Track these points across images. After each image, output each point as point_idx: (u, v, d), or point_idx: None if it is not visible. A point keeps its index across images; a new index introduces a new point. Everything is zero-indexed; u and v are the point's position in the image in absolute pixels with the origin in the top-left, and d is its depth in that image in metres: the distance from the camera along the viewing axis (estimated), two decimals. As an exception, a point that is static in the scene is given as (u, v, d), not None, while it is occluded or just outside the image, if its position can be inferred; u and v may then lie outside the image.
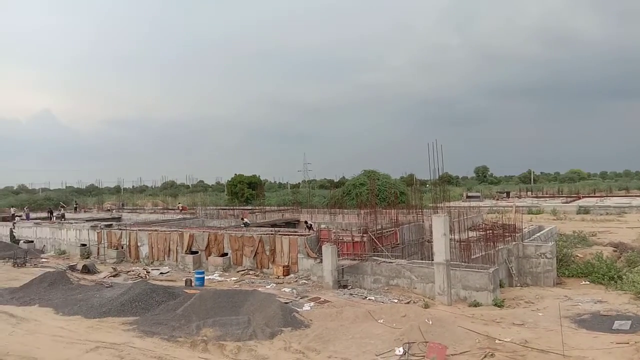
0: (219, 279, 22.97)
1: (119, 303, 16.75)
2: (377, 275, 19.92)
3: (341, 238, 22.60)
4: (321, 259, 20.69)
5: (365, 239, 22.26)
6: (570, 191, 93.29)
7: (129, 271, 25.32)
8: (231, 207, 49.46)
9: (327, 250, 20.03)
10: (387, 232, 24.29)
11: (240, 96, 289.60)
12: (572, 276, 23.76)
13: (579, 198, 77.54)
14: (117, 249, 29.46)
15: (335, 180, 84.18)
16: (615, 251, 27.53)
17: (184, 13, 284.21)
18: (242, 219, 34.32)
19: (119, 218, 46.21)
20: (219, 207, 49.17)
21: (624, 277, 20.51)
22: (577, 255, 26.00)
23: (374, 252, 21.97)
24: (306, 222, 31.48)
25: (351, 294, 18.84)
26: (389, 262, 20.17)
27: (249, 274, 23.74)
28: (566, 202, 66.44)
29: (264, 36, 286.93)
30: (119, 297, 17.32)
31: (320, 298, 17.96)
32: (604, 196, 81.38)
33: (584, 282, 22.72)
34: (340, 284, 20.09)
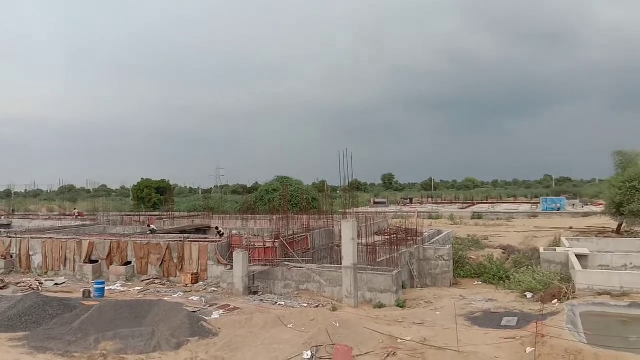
0: (122, 289, 21.78)
1: (6, 318, 15.29)
2: (288, 280, 20.13)
3: (253, 244, 22.52)
4: (232, 266, 20.46)
5: (276, 244, 22.38)
6: (466, 198, 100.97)
7: (18, 283, 23.12)
8: (137, 213, 47.17)
9: (238, 256, 19.86)
10: (298, 237, 24.61)
11: (148, 97, 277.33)
12: (467, 277, 25.66)
13: (474, 204, 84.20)
14: (5, 258, 26.75)
15: (248, 186, 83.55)
16: (504, 253, 30.16)
17: (87, 9, 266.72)
18: (149, 225, 32.83)
19: (9, 225, 42.10)
20: (123, 213, 46.67)
21: (511, 277, 22.54)
22: (471, 258, 28.15)
23: (286, 257, 22.16)
24: (217, 228, 30.90)
25: (262, 300, 18.85)
26: (300, 267, 20.46)
27: (155, 283, 22.77)
28: (462, 208, 71.79)
29: (171, 36, 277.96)
30: (6, 311, 15.80)
31: (230, 305, 17.76)
32: (495, 203, 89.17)
33: (477, 282, 24.62)
34: (251, 290, 20.00)
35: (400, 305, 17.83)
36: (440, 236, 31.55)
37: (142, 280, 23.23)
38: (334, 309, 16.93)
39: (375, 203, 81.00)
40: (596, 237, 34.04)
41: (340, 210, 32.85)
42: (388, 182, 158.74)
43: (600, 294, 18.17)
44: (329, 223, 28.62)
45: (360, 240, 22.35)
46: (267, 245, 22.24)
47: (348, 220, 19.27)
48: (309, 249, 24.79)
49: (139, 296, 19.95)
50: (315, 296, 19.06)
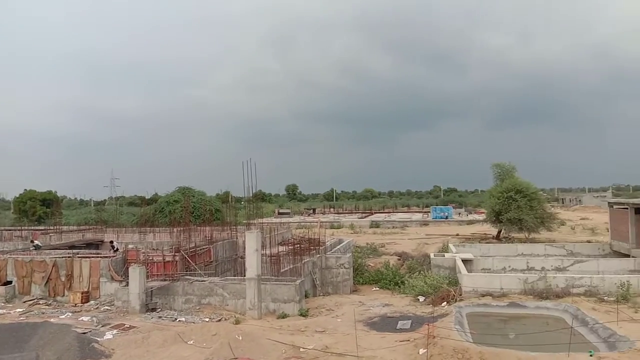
0: (0, 311, 19.61)
1: None
2: (189, 295, 19.51)
3: (151, 258, 21.52)
4: (127, 282, 19.36)
5: (177, 258, 21.61)
6: (365, 208, 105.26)
7: None
8: (18, 228, 42.76)
9: (135, 272, 18.86)
10: (200, 250, 23.97)
11: (35, 100, 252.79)
12: (366, 283, 26.68)
13: (372, 214, 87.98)
14: None
15: (146, 197, 79.33)
16: (399, 260, 31.75)
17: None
18: (32, 241, 29.90)
19: None
20: (2, 228, 42.13)
21: (405, 282, 23.90)
22: (370, 265, 29.35)
23: (187, 271, 21.47)
24: (112, 243, 28.99)
25: (160, 317, 18.04)
26: (202, 281, 19.95)
27: (39, 303, 20.84)
28: (361, 218, 74.61)
29: (72, 37, 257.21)
30: None
31: (125, 324, 16.76)
32: (391, 212, 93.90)
33: (375, 288, 25.69)
34: (149, 308, 19.07)
35: (303, 314, 18.12)
36: (341, 245, 32.53)
37: (25, 302, 21.16)
38: (237, 322, 16.74)
39: (279, 213, 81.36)
40: (479, 243, 37.29)
41: (245, 221, 32.57)
42: (292, 193, 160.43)
43: (483, 296, 19.93)
44: (232, 234, 28.24)
45: (264, 251, 22.35)
46: (167, 259, 21.40)
47: (252, 231, 19.22)
48: (211, 261, 24.25)
49: (21, 318, 18.11)
50: (218, 310, 18.69)
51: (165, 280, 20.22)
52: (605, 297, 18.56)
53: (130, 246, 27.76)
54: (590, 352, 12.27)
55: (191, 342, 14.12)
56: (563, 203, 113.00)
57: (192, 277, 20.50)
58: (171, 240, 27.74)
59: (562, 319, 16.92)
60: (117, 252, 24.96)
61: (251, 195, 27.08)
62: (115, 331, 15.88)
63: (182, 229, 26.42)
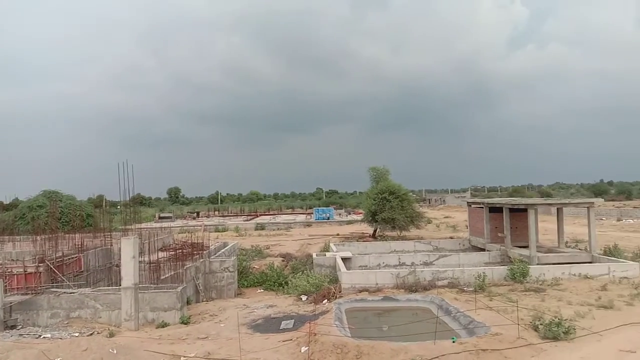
0: None
1: None
2: (56, 308, 17.86)
3: (10, 270, 19.26)
4: (-21, 299, 17.14)
5: (41, 268, 19.61)
6: (250, 210, 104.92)
7: None
8: None
9: (-12, 286, 16.78)
10: (69, 259, 22.02)
11: None
12: (250, 286, 26.72)
13: (257, 216, 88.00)
14: None
15: (5, 202, 70.19)
16: (283, 261, 32.31)
17: None
18: None
19: None
20: None
21: (289, 282, 24.42)
22: (254, 267, 29.44)
23: (54, 283, 19.61)
24: (-44, 254, 25.39)
25: (21, 335, 16.25)
26: (71, 293, 18.36)
27: None
28: (247, 220, 74.28)
29: None
30: None
31: (-24, 346, 14.82)
32: (276, 214, 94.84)
33: (259, 290, 25.86)
34: (8, 325, 17.09)
35: (185, 321, 17.61)
36: (226, 248, 32.15)
37: None
38: (112, 334, 15.75)
39: (160, 218, 77.53)
40: (357, 241, 39.41)
41: (121, 227, 30.60)
42: (174, 196, 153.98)
43: (361, 291, 21.14)
44: (107, 241, 26.38)
45: (142, 258, 21.29)
46: (29, 270, 19.34)
47: (128, 238, 18.19)
48: (82, 271, 22.41)
49: None
50: (90, 323, 17.37)
51: (27, 294, 18.25)
52: (465, 288, 20.81)
53: (-18, 258, 24.48)
54: (453, 338, 13.73)
55: (58, 359, 12.97)
56: (429, 203, 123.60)
57: (59, 290, 18.77)
58: (34, 249, 25.03)
59: (429, 309, 18.63)
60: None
61: (128, 199, 25.60)
62: (-37, 355, 13.97)
63: (47, 236, 24.02)
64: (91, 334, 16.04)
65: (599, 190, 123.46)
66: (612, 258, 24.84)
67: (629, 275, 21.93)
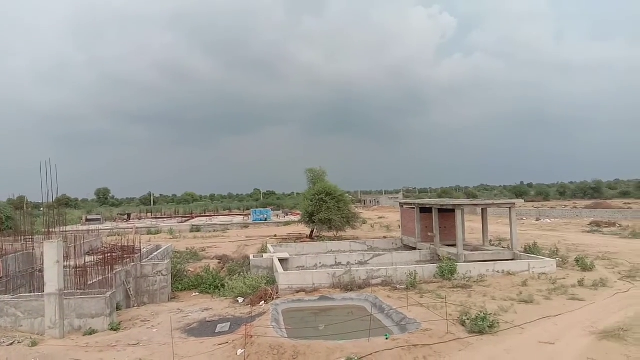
0: None
1: None
2: (-32, 319, 16.49)
3: None
4: None
5: (-50, 276, 18.04)
6: (185, 212, 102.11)
7: None
8: None
9: None
10: (-17, 265, 20.43)
11: None
12: (185, 289, 26.01)
13: (192, 218, 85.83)
14: None
15: None
16: (219, 263, 31.77)
17: None
18: None
19: None
20: None
21: (226, 285, 24.05)
22: (189, 270, 28.70)
23: (-36, 291, 18.10)
24: None
25: None
26: (-14, 301, 17.04)
27: None
28: (182, 222, 72.26)
29: None
30: None
31: None
32: (213, 215, 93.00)
33: (195, 294, 25.24)
34: None
35: (115, 328, 16.89)
36: (159, 251, 31.14)
37: None
38: (34, 343, 14.79)
39: (87, 220, 73.49)
40: (295, 242, 39.57)
41: (44, 230, 28.77)
42: (103, 197, 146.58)
43: (298, 292, 21.29)
44: (28, 245, 24.72)
45: (68, 263, 20.16)
46: (-63, 278, 17.73)
47: (52, 241, 17.14)
48: (1, 277, 20.85)
49: None
50: (10, 332, 16.20)
51: None
52: (398, 286, 21.55)
53: None
54: (386, 335, 14.20)
55: (-28, 374, 12.05)
56: (364, 204, 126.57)
57: (-28, 298, 17.36)
58: (-58, 255, 23.00)
59: (364, 307, 19.11)
60: None
61: (52, 200, 24.12)
62: None
63: (-42, 241, 22.17)
64: (11, 344, 14.99)
65: (519, 191, 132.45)
66: (532, 255, 26.70)
67: (547, 271, 23.67)
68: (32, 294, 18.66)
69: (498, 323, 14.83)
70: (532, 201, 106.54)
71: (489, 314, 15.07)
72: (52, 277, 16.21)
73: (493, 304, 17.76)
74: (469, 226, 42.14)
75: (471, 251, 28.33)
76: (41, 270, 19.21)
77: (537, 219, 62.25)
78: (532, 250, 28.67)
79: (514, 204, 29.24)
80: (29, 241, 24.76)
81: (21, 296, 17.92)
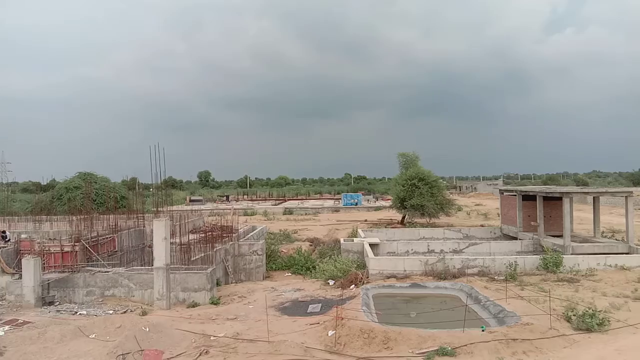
0: None
1: None
2: (91, 287, 18.48)
3: (48, 249, 20.00)
4: (20, 275, 17.88)
5: (77, 248, 20.28)
6: (279, 195, 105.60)
7: None
8: None
9: (29, 263, 17.47)
10: (103, 239, 22.69)
11: None
12: (278, 269, 26.98)
13: (285, 201, 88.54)
14: None
15: (42, 183, 72.75)
16: (311, 245, 32.47)
17: None
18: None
19: None
20: None
21: (317, 267, 24.50)
22: (282, 251, 29.67)
23: (89, 262, 20.27)
24: (3, 233, 26.44)
25: (59, 311, 16.93)
26: (105, 272, 18.96)
27: None
28: (275, 205, 74.84)
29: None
30: None
31: (18, 320, 15.52)
32: (304, 199, 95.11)
33: (287, 274, 26.08)
34: (46, 301, 17.80)
35: (215, 302, 17.95)
36: (254, 232, 32.50)
37: None
38: (144, 313, 16.19)
39: (191, 201, 79.01)
40: (385, 228, 39.15)
41: (153, 209, 31.30)
42: (205, 180, 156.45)
43: (388, 277, 21.07)
44: (139, 223, 27.03)
45: (173, 240, 21.72)
46: (66, 249, 20.02)
47: (160, 219, 18.57)
48: (116, 251, 23.07)
49: None
50: (123, 301, 17.93)
51: (63, 272, 18.94)
52: (495, 277, 20.45)
53: (23, 236, 25.54)
54: (482, 327, 13.53)
55: (93, 335, 13.45)
56: (460, 190, 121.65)
57: (94, 268, 19.41)
58: (70, 229, 25.89)
59: (458, 297, 18.40)
60: (8, 243, 22.88)
61: (160, 181, 26.11)
62: (7, 327, 14.65)
63: (82, 217, 24.81)
64: (125, 312, 16.55)
65: (638, 179, 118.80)
66: (651, 250, 23.92)
67: (668, 268, 21.09)
68: (142, 267, 20.42)
69: (609, 321, 13.46)
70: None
71: (599, 311, 13.74)
72: (160, 252, 17.56)
73: (603, 300, 16.16)
74: (578, 216, 38.79)
75: (580, 243, 26.04)
76: (150, 246, 20.92)
77: (659, 210, 55.70)
78: (652, 244, 25.67)
79: (631, 192, 26.32)
80: (140, 219, 27.04)
81: (133, 269, 19.68)
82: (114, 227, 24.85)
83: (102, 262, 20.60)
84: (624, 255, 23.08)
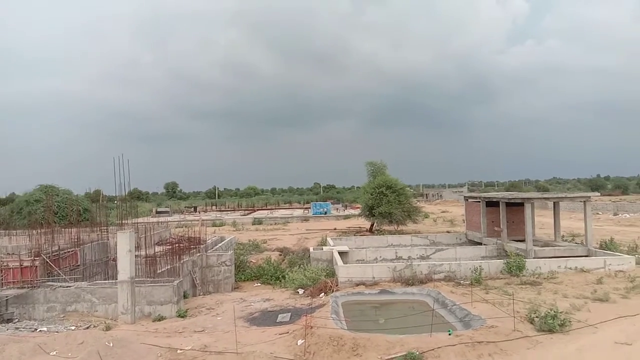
0: None
1: None
2: (52, 302, 17.85)
3: (6, 264, 19.20)
4: (-25, 292, 17.12)
5: (37, 262, 19.55)
6: (248, 205, 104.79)
7: None
8: None
9: (-16, 280, 16.74)
10: (65, 253, 21.96)
11: None
12: (247, 280, 26.73)
13: (254, 211, 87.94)
14: None
15: (1, 197, 69.82)
16: (280, 255, 32.25)
17: None
18: None
19: None
20: None
21: (286, 276, 24.42)
22: (252, 261, 29.40)
23: (50, 277, 19.57)
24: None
25: (17, 328, 16.26)
26: (67, 287, 18.34)
27: None
28: (244, 215, 74.22)
29: None
30: None
31: (-28, 340, 14.80)
32: (273, 209, 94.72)
33: (256, 284, 25.88)
34: (4, 318, 17.10)
35: (182, 315, 17.62)
36: (223, 242, 32.13)
37: None
38: (108, 328, 15.74)
39: (157, 212, 77.36)
40: (354, 235, 39.41)
41: (117, 222, 30.55)
42: (172, 191, 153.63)
43: (357, 285, 21.19)
44: (103, 235, 26.33)
45: (139, 252, 21.26)
46: (25, 264, 19.26)
47: (124, 231, 18.14)
48: (78, 265, 22.37)
49: None
50: (86, 317, 17.38)
51: (23, 287, 18.23)
52: (461, 281, 20.87)
53: (-22, 252, 24.43)
54: (449, 331, 13.78)
55: (54, 353, 12.97)
56: (427, 198, 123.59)
57: (55, 283, 18.74)
58: (31, 243, 24.97)
59: (425, 302, 18.68)
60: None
61: (125, 193, 25.54)
62: (-41, 349, 13.94)
63: (43, 230, 23.98)
64: (87, 328, 16.05)
65: (595, 185, 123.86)
66: (608, 252, 24.94)
67: (624, 269, 22.03)
68: (106, 281, 19.87)
69: (570, 322, 13.95)
70: (610, 195, 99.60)
71: (560, 312, 14.21)
72: (125, 265, 17.15)
73: (565, 301, 16.74)
74: (539, 221, 40.02)
75: (541, 247, 26.89)
76: (115, 259, 20.37)
77: (615, 214, 58.07)
78: (608, 246, 26.76)
79: (589, 197, 27.42)
80: (104, 232, 26.34)
81: (96, 283, 19.12)
82: (76, 240, 24.10)
83: (64, 276, 19.94)
84: (583, 257, 23.97)
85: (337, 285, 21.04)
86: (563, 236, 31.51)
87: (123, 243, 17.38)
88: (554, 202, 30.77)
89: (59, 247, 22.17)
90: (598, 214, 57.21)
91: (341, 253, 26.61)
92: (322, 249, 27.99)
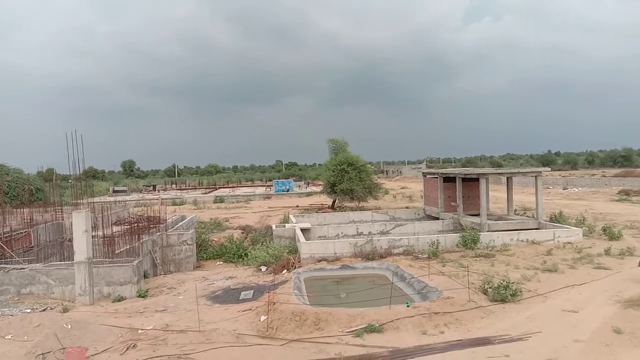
0: None
1: None
2: (5, 285, 17.23)
3: (-50, 248, 18.37)
4: None
5: (-14, 245, 18.81)
6: (209, 183, 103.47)
7: None
8: None
9: None
10: (17, 234, 21.18)
11: None
12: (209, 258, 26.53)
13: (216, 189, 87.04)
14: None
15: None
16: (243, 233, 32.20)
17: None
18: None
19: None
20: None
21: (249, 254, 24.43)
22: (214, 240, 29.24)
23: (1, 259, 18.86)
24: None
25: (-33, 314, 15.66)
26: (21, 269, 17.74)
27: None
28: (205, 193, 73.34)
29: None
30: None
31: None
32: (235, 187, 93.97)
33: (219, 263, 25.74)
34: (-49, 304, 16.39)
35: (142, 295, 17.43)
36: (184, 221, 31.74)
37: None
38: (66, 310, 15.40)
39: (114, 192, 75.29)
40: (316, 212, 39.78)
41: (72, 201, 29.57)
42: (129, 169, 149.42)
43: (320, 261, 21.52)
44: (57, 216, 25.47)
45: (96, 233, 20.73)
46: (-27, 247, 18.50)
47: (80, 211, 17.60)
48: (32, 246, 21.64)
49: None
50: (42, 299, 16.91)
51: (-29, 271, 17.49)
52: (419, 255, 21.53)
53: None
54: (407, 303, 14.28)
55: (9, 336, 12.62)
56: (387, 174, 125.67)
57: (7, 266, 18.08)
58: (-22, 225, 23.93)
59: (385, 276, 19.22)
60: None
61: (79, 172, 24.65)
62: None
63: (-8, 212, 22.95)
64: (44, 310, 15.64)
65: (546, 160, 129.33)
66: (557, 224, 26.25)
67: (572, 241, 23.28)
68: (62, 263, 19.34)
69: (521, 291, 14.74)
70: (560, 170, 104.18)
71: (512, 283, 14.97)
72: (81, 246, 16.72)
73: (516, 272, 17.62)
74: (494, 196, 41.54)
75: (495, 220, 28.01)
76: (71, 240, 19.83)
77: (564, 188, 60.97)
78: (557, 219, 28.17)
79: (540, 172, 28.63)
80: (59, 212, 25.47)
81: (52, 264, 18.59)
82: (29, 221, 23.25)
83: (17, 258, 19.27)
84: (534, 230, 25.16)
85: (299, 262, 21.29)
86: (515, 210, 32.88)
87: (79, 223, 16.90)
88: (507, 177, 31.96)
89: (11, 228, 21.34)
90: (549, 188, 59.88)
91: (303, 230, 26.85)
92: (285, 226, 28.12)
